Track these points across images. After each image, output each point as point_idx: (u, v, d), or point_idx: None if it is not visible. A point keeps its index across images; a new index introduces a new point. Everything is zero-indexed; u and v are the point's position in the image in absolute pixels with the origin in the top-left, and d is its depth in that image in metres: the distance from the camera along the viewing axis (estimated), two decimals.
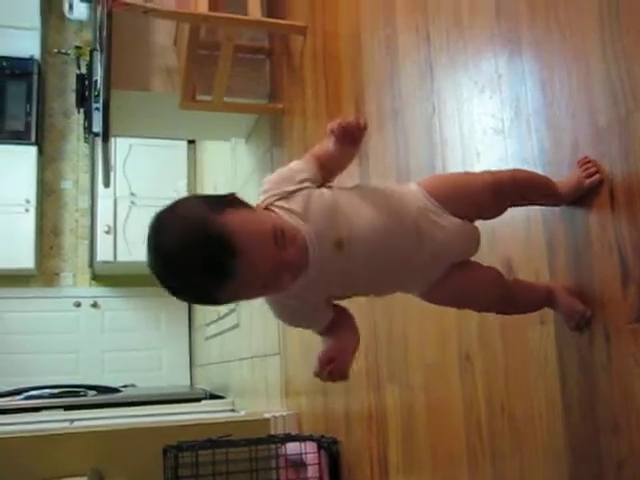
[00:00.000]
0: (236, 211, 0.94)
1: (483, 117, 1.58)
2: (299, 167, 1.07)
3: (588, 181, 1.20)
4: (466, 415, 1.63)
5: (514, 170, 1.30)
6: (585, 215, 1.23)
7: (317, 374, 1.07)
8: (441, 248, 1.12)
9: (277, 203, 1.01)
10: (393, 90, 2.02)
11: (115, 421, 3.13)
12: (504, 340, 1.47)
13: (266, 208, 1.02)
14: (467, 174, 1.31)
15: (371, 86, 2.18)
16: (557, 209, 1.30)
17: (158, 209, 0.98)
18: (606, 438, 1.19)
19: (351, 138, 1.09)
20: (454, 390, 1.67)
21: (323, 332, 1.10)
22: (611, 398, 1.18)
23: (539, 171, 1.35)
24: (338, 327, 1.10)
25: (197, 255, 0.90)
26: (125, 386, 4.86)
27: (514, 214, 1.33)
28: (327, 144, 1.10)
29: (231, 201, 0.97)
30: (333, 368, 1.05)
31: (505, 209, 1.23)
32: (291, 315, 1.09)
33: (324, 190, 1.06)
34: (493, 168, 1.50)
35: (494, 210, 1.22)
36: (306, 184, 1.04)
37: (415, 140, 1.88)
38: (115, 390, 4.50)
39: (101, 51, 3.45)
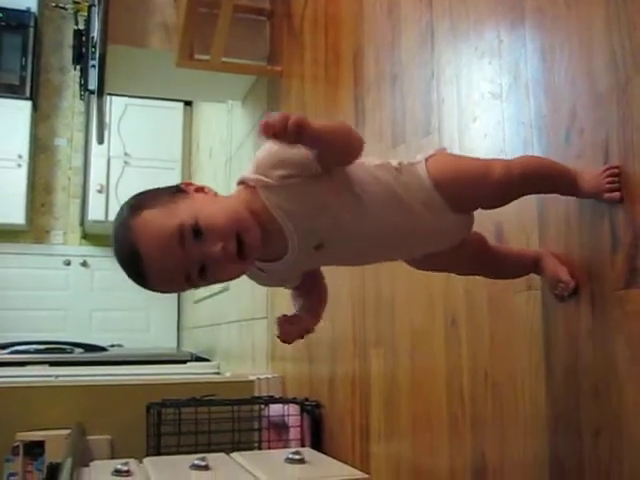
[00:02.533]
0: (150, 210, 0.92)
1: (482, 82, 1.56)
2: (297, 154, 0.95)
3: (607, 196, 1.14)
4: (449, 381, 1.63)
5: (528, 164, 1.17)
6: None
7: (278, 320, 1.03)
8: (432, 240, 1.12)
9: (265, 192, 0.96)
10: (393, 55, 1.99)
11: (100, 378, 3.14)
12: (490, 305, 1.47)
13: (253, 187, 0.97)
14: (478, 165, 1.15)
15: (371, 51, 2.15)
16: None
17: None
18: (586, 405, 1.19)
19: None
20: (438, 355, 1.67)
21: (294, 290, 1.10)
22: (593, 365, 1.18)
23: (535, 136, 1.34)
24: (308, 289, 1.09)
25: (121, 258, 0.95)
26: (112, 345, 4.88)
27: None
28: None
29: (164, 197, 0.94)
30: (292, 330, 1.02)
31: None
32: (256, 279, 1.07)
33: (318, 186, 0.98)
34: (491, 133, 1.50)
35: (499, 205, 1.19)
36: (298, 175, 0.96)
37: (412, 103, 1.87)
38: (102, 349, 4.51)
39: (99, 5, 3.40)
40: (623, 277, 1.12)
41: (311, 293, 1.10)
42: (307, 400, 2.51)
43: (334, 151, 0.97)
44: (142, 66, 3.39)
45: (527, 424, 1.35)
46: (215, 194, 0.99)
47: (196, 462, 1.90)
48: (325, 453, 2.26)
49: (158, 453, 2.32)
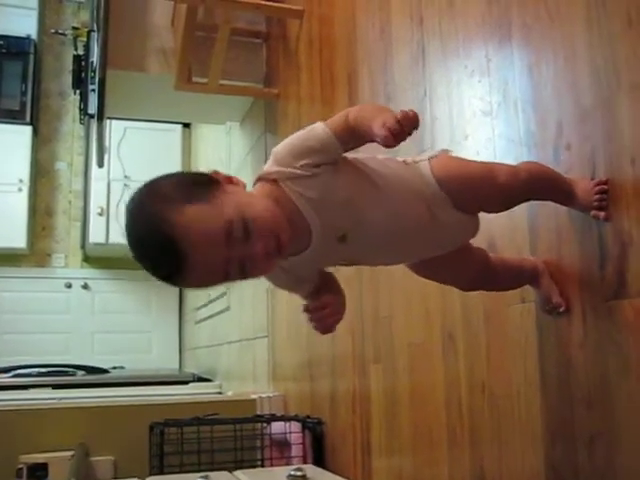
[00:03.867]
0: (193, 205, 0.88)
1: (472, 100, 1.60)
2: (319, 141, 0.96)
3: (593, 213, 1.17)
4: (447, 395, 1.65)
5: (533, 170, 1.18)
6: None
7: (307, 310, 1.01)
8: (438, 239, 1.13)
9: (289, 183, 0.95)
10: (386, 75, 2.04)
11: (103, 399, 3.15)
12: (486, 319, 1.50)
13: (274, 181, 0.96)
14: (483, 168, 1.16)
15: (365, 71, 2.19)
16: None
17: (138, 185, 0.96)
18: (580, 414, 1.22)
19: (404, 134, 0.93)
20: (437, 370, 1.70)
21: (308, 296, 1.08)
22: (586, 375, 1.20)
23: (524, 152, 1.37)
24: (324, 291, 1.08)
25: (152, 254, 0.91)
26: (114, 367, 4.89)
27: None
28: (365, 125, 0.94)
29: (200, 189, 0.91)
30: (325, 315, 1.01)
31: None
32: (275, 280, 1.07)
33: (340, 177, 0.99)
34: (483, 151, 1.54)
35: (501, 209, 1.21)
36: (321, 163, 0.96)
37: None
38: (104, 371, 4.52)
39: (98, 31, 3.46)
40: (612, 289, 1.15)
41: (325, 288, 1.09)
42: (309, 417, 2.52)
43: None
44: (141, 90, 3.44)
45: (524, 435, 1.37)
46: (244, 185, 0.97)
47: None
48: (328, 469, 2.27)
49: (161, 472, 2.33)
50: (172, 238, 0.86)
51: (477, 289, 1.35)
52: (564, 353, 1.26)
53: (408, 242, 1.11)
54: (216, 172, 0.96)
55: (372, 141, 0.95)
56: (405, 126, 0.89)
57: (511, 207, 1.21)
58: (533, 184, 1.16)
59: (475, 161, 1.22)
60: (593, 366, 1.19)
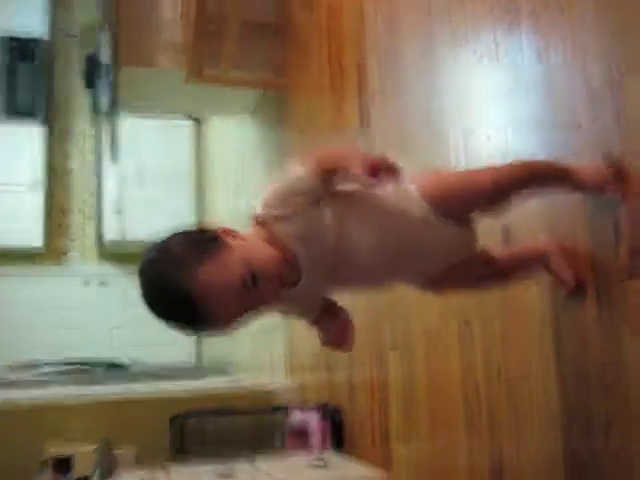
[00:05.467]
0: (206, 265, 0.97)
1: (482, 86, 1.60)
2: (300, 184, 1.03)
3: (608, 192, 1.17)
4: (464, 380, 1.66)
5: (516, 167, 1.20)
6: None
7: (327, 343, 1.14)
8: (437, 253, 1.16)
9: (276, 225, 1.03)
10: (396, 64, 2.04)
11: (123, 394, 3.18)
12: (501, 303, 1.51)
13: (264, 223, 1.04)
14: (466, 174, 1.24)
15: (374, 61, 2.20)
16: None
17: (149, 245, 1.04)
18: (596, 397, 1.22)
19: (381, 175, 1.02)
20: (453, 356, 1.71)
21: (315, 321, 1.15)
22: (602, 357, 1.21)
23: (537, 135, 1.38)
24: (329, 312, 1.15)
25: (174, 315, 1.00)
26: (134, 362, 4.91)
27: None
28: (346, 163, 1.02)
29: (208, 249, 0.99)
30: (344, 337, 1.14)
31: (509, 204, 1.20)
32: (283, 312, 1.17)
33: (325, 212, 1.05)
34: (494, 136, 1.54)
35: (495, 206, 1.21)
36: (305, 207, 1.03)
37: (416, 109, 1.91)
38: (124, 366, 4.55)
39: (109, 29, 3.48)
40: (626, 269, 1.15)
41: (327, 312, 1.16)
42: (327, 406, 2.54)
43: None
44: (152, 85, 3.45)
45: (541, 419, 1.38)
46: (238, 233, 1.05)
47: (221, 471, 1.94)
48: (347, 456, 2.29)
49: (182, 462, 2.36)
50: (191, 299, 0.95)
51: (491, 288, 1.36)
52: (579, 335, 1.27)
53: (404, 260, 1.14)
54: (219, 227, 1.04)
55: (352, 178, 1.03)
56: (383, 167, 0.99)
57: (504, 201, 1.18)
58: (520, 179, 1.16)
59: (458, 171, 1.26)
60: (608, 347, 1.19)
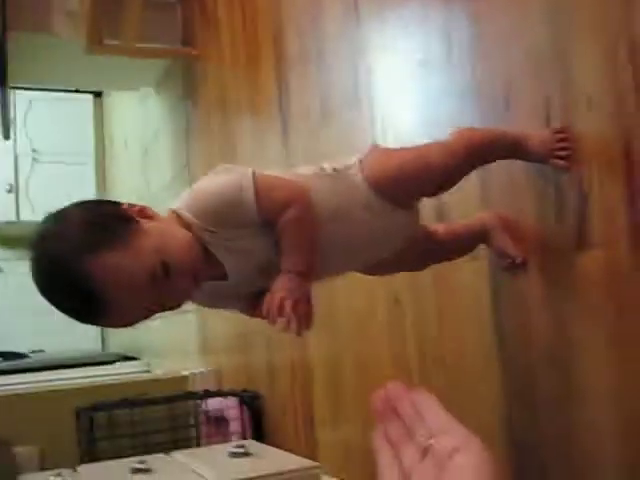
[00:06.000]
0: (111, 249, 0.83)
1: (410, 52, 1.52)
2: (240, 208, 0.91)
3: (553, 162, 1.10)
4: (395, 362, 1.59)
5: (468, 140, 1.08)
6: None
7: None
8: (382, 242, 1.08)
9: (201, 233, 0.91)
10: (316, 30, 1.93)
11: (24, 386, 2.97)
12: (435, 280, 1.44)
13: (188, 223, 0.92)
14: (415, 156, 1.06)
15: (292, 26, 2.08)
16: None
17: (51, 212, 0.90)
18: (542, 373, 1.18)
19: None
20: (383, 336, 1.63)
21: (246, 309, 1.04)
22: (546, 331, 1.16)
23: (471, 102, 1.31)
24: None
25: (69, 305, 0.87)
26: (33, 352, 4.65)
27: None
28: (285, 248, 0.93)
29: (115, 230, 0.86)
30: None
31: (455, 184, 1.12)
32: (196, 300, 1.03)
33: (248, 241, 0.94)
34: (424, 103, 1.46)
35: (444, 191, 1.13)
36: (237, 228, 0.93)
37: (339, 77, 1.81)
38: (22, 355, 4.30)
39: None
40: (572, 241, 1.10)
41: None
42: (245, 391, 2.44)
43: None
44: (47, 55, 3.20)
45: (482, 401, 1.32)
46: (156, 215, 0.92)
47: (136, 465, 1.80)
48: (268, 444, 2.19)
49: (93, 460, 2.20)
50: (89, 289, 0.82)
51: (430, 265, 1.28)
52: (523, 312, 1.21)
53: (346, 254, 1.05)
54: (130, 205, 0.91)
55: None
56: (293, 321, 0.89)
57: (454, 184, 1.11)
58: (472, 156, 1.07)
59: (406, 149, 1.10)
60: (555, 324, 1.14)
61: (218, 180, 0.93)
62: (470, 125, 1.29)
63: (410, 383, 1.48)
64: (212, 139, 2.82)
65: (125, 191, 4.57)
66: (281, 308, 0.88)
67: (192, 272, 0.90)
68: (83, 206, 0.90)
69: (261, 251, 0.94)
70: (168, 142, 3.54)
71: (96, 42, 2.82)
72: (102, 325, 0.91)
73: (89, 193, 4.95)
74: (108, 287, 0.82)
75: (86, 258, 0.82)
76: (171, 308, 0.91)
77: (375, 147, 1.08)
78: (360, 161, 1.03)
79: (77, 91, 5.19)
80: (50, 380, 3.21)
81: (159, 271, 0.86)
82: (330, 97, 1.84)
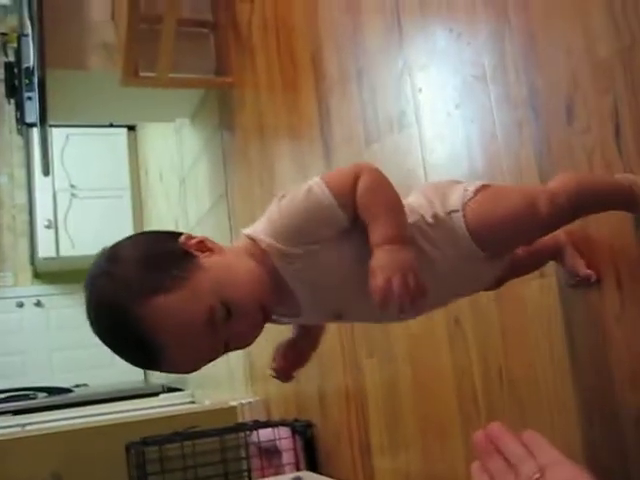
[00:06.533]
0: (165, 293, 0.78)
1: (460, 65, 1.48)
2: (320, 212, 0.83)
3: None
4: (458, 384, 1.53)
5: (573, 191, 0.96)
6: (590, 154, 1.14)
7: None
8: (465, 288, 1.04)
9: (278, 260, 0.84)
10: (356, 48, 1.90)
11: (71, 422, 2.96)
12: (498, 299, 1.38)
13: (262, 249, 0.85)
14: (522, 207, 0.93)
15: (330, 46, 2.05)
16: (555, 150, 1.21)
17: (98, 252, 0.86)
18: (623, 393, 1.11)
19: None
20: (443, 358, 1.58)
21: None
22: (627, 350, 1.10)
23: (531, 115, 1.26)
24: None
25: (125, 351, 0.82)
26: (77, 386, 4.65)
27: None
28: (371, 221, 0.84)
29: (170, 266, 0.80)
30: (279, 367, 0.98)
31: None
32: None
33: (340, 249, 0.86)
34: (479, 118, 1.41)
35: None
36: (321, 240, 0.84)
37: (383, 97, 1.77)
38: (67, 390, 4.29)
39: (32, 30, 3.24)
40: None
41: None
42: (297, 421, 2.38)
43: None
44: (83, 90, 3.23)
45: (554, 420, 1.26)
46: (218, 247, 0.85)
47: None
48: (323, 474, 2.14)
49: None
50: (142, 335, 0.77)
51: (503, 284, 1.21)
52: (597, 328, 1.15)
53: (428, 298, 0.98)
54: (188, 237, 0.84)
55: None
56: (407, 299, 0.79)
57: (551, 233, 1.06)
58: (577, 208, 0.97)
59: (512, 192, 1.00)
60: (635, 342, 1.08)
61: (290, 195, 0.85)
62: (530, 140, 1.26)
63: (474, 403, 1.43)
64: (250, 167, 2.81)
65: (163, 222, 4.58)
66: (389, 290, 0.78)
67: (258, 310, 0.83)
68: (137, 242, 0.86)
69: (338, 266, 0.86)
70: (205, 172, 3.54)
71: (131, 74, 2.83)
72: (164, 371, 0.84)
73: (126, 226, 4.98)
74: (162, 333, 0.77)
75: (138, 303, 0.77)
76: (237, 348, 0.85)
77: (481, 188, 0.95)
78: (464, 206, 0.92)
79: (111, 125, 5.25)
80: (96, 414, 3.19)
81: (219, 313, 0.79)
82: (374, 118, 1.80)
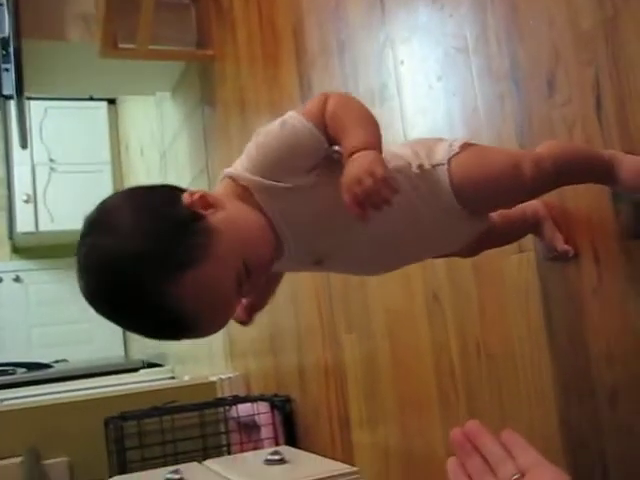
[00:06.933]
0: (192, 271, 0.73)
1: (442, 38, 1.46)
2: (301, 140, 0.80)
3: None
4: (436, 359, 1.53)
5: (559, 155, 0.96)
6: (571, 127, 1.13)
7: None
8: (445, 244, 1.02)
9: (261, 195, 0.81)
10: (338, 22, 1.87)
11: (49, 397, 2.94)
12: (477, 275, 1.38)
13: (244, 187, 0.81)
14: (507, 165, 0.93)
15: (312, 19, 2.03)
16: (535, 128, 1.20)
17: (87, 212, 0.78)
18: (599, 368, 1.11)
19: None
20: (421, 334, 1.58)
21: None
22: (603, 324, 1.10)
23: (513, 87, 1.25)
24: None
25: (146, 324, 0.77)
26: (57, 361, 4.62)
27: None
28: (341, 138, 0.81)
29: (187, 236, 0.75)
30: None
31: None
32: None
33: (325, 189, 0.82)
34: (460, 91, 1.40)
35: (517, 204, 1.08)
36: (303, 177, 0.82)
37: (365, 70, 1.75)
38: (46, 366, 4.26)
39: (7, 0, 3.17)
40: (630, 226, 1.04)
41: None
42: (276, 396, 2.38)
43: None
44: (62, 62, 3.17)
45: (531, 395, 1.27)
46: (217, 200, 0.80)
47: (170, 475, 1.76)
48: (302, 449, 2.14)
49: (123, 470, 2.16)
50: (176, 313, 0.73)
51: (480, 252, 1.21)
52: (575, 304, 1.15)
53: (400, 255, 0.98)
54: (190, 194, 0.79)
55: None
56: (378, 198, 0.74)
57: (535, 198, 1.08)
58: (563, 171, 0.97)
59: (497, 153, 1.00)
60: (612, 315, 1.08)
61: (265, 130, 0.82)
62: (511, 114, 1.25)
63: (452, 379, 1.43)
64: (231, 141, 2.78)
65: None
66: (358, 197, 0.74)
67: (271, 263, 0.83)
68: (137, 207, 0.77)
69: (322, 207, 0.83)
70: (186, 146, 3.50)
71: (110, 45, 2.78)
72: (192, 338, 0.80)
73: None
74: (195, 307, 0.74)
75: (165, 282, 0.72)
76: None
77: (466, 145, 0.94)
78: (449, 160, 0.91)
79: (91, 99, 5.18)
80: (76, 390, 3.17)
81: (242, 273, 0.78)
82: (355, 91, 1.78)
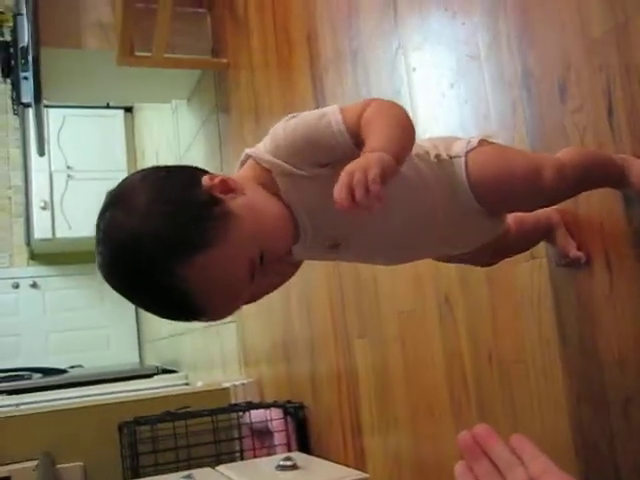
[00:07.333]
0: (205, 254, 0.73)
1: (455, 45, 1.46)
2: (325, 138, 0.79)
3: None
4: (448, 365, 1.53)
5: (579, 162, 0.97)
6: (583, 134, 1.13)
7: None
8: (460, 243, 1.01)
9: (282, 180, 0.81)
10: (351, 29, 1.89)
11: (64, 402, 2.96)
12: (489, 279, 1.38)
13: (266, 171, 0.81)
14: (528, 167, 0.93)
15: (325, 26, 2.04)
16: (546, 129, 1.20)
17: (106, 191, 0.79)
18: (611, 375, 1.11)
19: None
20: (433, 338, 1.57)
21: None
22: (616, 331, 1.09)
23: (524, 94, 1.25)
24: None
25: (166, 309, 0.78)
26: (72, 367, 4.66)
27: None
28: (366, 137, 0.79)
29: (205, 220, 0.74)
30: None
31: None
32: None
33: (336, 181, 0.79)
34: (472, 98, 1.40)
35: (536, 209, 1.09)
36: (327, 163, 0.81)
37: (378, 77, 1.76)
38: (62, 371, 4.30)
39: (27, 9, 3.22)
40: None
41: None
42: (289, 402, 2.39)
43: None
44: (79, 70, 3.21)
45: (543, 402, 1.26)
46: (238, 185, 0.79)
47: None
48: (314, 455, 2.14)
49: (136, 475, 2.17)
50: (187, 295, 0.73)
51: (495, 263, 1.21)
52: (587, 310, 1.14)
53: (415, 248, 0.98)
54: (211, 178, 0.78)
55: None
56: (360, 193, 0.69)
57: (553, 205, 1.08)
58: (581, 181, 0.98)
59: (518, 154, 1.00)
60: (625, 321, 1.07)
61: (301, 115, 0.81)
62: (523, 120, 1.25)
63: (464, 385, 1.43)
64: (246, 147, 2.78)
65: None
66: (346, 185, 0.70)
67: (286, 253, 0.83)
68: (157, 189, 0.76)
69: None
70: (201, 152, 3.52)
71: (127, 54, 2.81)
72: (202, 321, 0.80)
73: None
74: (206, 290, 0.74)
75: (178, 263, 0.72)
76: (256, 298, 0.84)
77: (485, 139, 0.95)
78: (467, 154, 0.92)
79: (108, 106, 5.23)
80: (90, 395, 3.20)
81: (257, 261, 0.77)
82: (369, 94, 1.79)
